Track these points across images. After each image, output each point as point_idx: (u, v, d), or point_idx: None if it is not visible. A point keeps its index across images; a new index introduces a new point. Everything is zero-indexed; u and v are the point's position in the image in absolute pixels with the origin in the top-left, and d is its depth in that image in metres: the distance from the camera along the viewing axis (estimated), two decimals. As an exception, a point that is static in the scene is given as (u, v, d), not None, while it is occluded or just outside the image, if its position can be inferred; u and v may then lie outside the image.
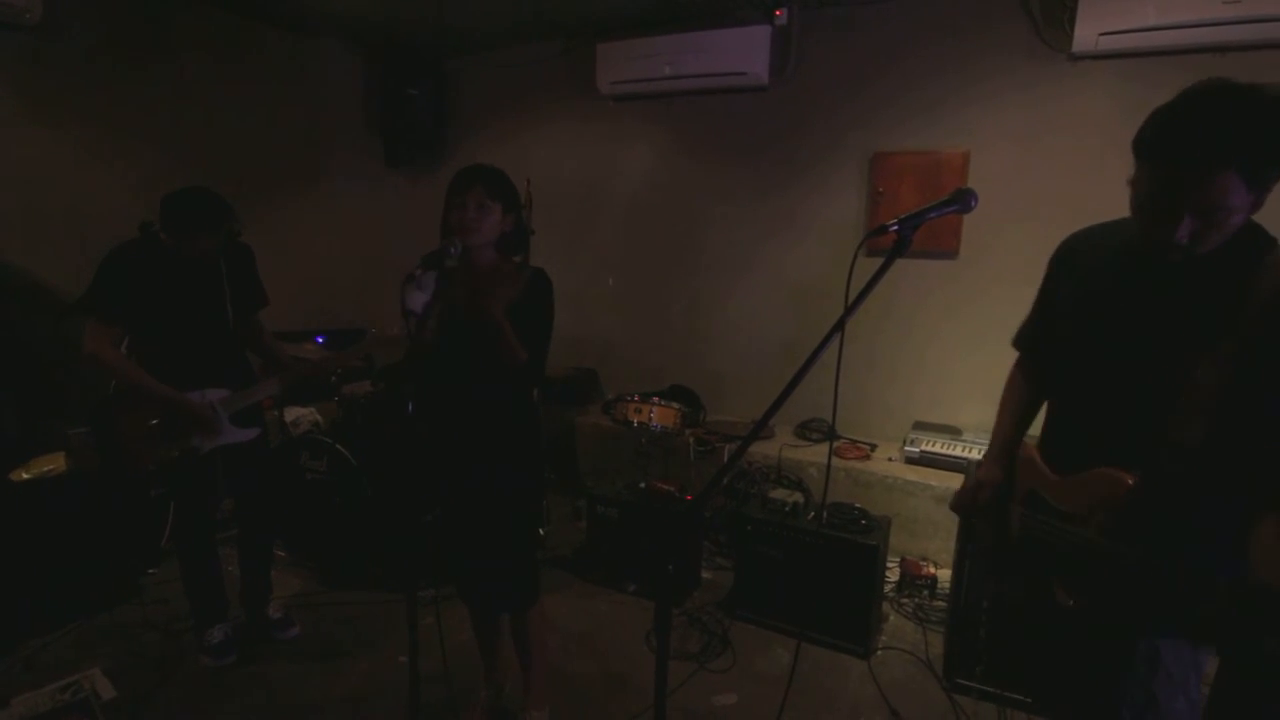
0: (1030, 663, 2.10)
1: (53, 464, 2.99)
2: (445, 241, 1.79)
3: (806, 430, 3.90)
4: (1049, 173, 3.30)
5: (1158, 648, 1.29)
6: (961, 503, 1.61)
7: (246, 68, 4.17)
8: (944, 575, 3.06)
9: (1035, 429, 1.59)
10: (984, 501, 1.53)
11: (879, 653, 2.76)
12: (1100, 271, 1.35)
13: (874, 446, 3.69)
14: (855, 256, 1.21)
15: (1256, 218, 1.19)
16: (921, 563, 3.19)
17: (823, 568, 2.74)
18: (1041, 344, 1.53)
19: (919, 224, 1.16)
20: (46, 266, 3.35)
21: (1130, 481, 1.20)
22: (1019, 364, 1.63)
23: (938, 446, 3.44)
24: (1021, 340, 1.60)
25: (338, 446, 3.13)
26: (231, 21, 4.05)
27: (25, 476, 2.91)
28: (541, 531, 3.60)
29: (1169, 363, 1.19)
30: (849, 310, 1.14)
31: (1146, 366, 1.23)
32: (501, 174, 1.95)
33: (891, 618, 3.02)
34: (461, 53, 4.77)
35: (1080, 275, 1.40)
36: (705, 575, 3.33)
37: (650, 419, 3.35)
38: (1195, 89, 1.12)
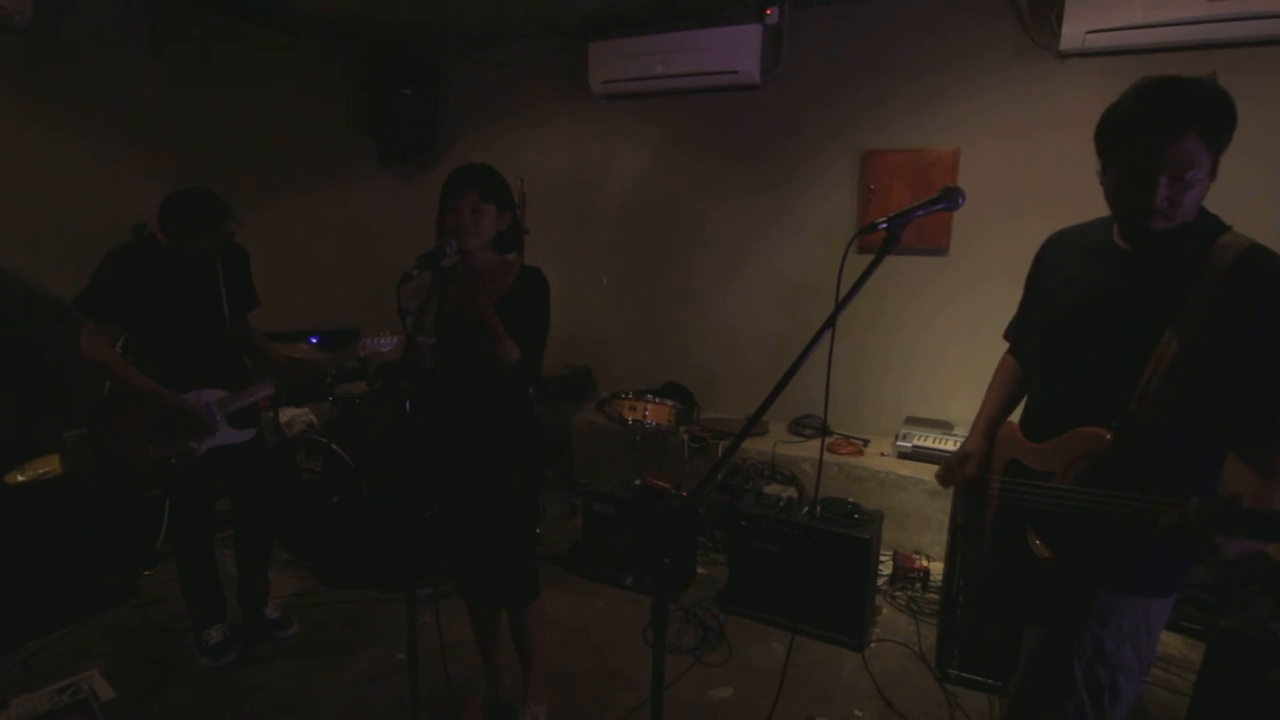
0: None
1: (48, 466, 2.99)
2: (441, 241, 1.81)
3: (800, 426, 3.93)
4: (1038, 169, 3.33)
5: (1113, 602, 1.39)
6: (949, 474, 1.68)
7: (239, 68, 4.16)
8: (936, 568, 3.10)
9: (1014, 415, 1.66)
10: (970, 472, 1.61)
11: (873, 645, 2.80)
12: (1076, 262, 1.48)
13: (866, 442, 3.72)
14: (846, 253, 1.23)
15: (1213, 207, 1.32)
16: (914, 556, 3.23)
17: (817, 562, 2.77)
18: (1027, 334, 1.65)
19: (908, 221, 1.20)
20: (42, 268, 3.34)
21: (1108, 435, 1.33)
22: (1008, 353, 1.76)
23: (929, 441, 3.47)
24: (1011, 331, 1.73)
25: (333, 446, 3.14)
26: (224, 22, 4.04)
27: (20, 479, 2.91)
28: (538, 529, 3.62)
29: (1137, 339, 1.31)
30: (840, 307, 1.15)
31: (1117, 344, 1.35)
32: (495, 174, 1.96)
33: (885, 611, 3.05)
34: (455, 52, 4.76)
35: (1059, 267, 1.54)
36: (700, 570, 3.36)
37: (645, 416, 3.37)
38: (1147, 79, 1.28)
